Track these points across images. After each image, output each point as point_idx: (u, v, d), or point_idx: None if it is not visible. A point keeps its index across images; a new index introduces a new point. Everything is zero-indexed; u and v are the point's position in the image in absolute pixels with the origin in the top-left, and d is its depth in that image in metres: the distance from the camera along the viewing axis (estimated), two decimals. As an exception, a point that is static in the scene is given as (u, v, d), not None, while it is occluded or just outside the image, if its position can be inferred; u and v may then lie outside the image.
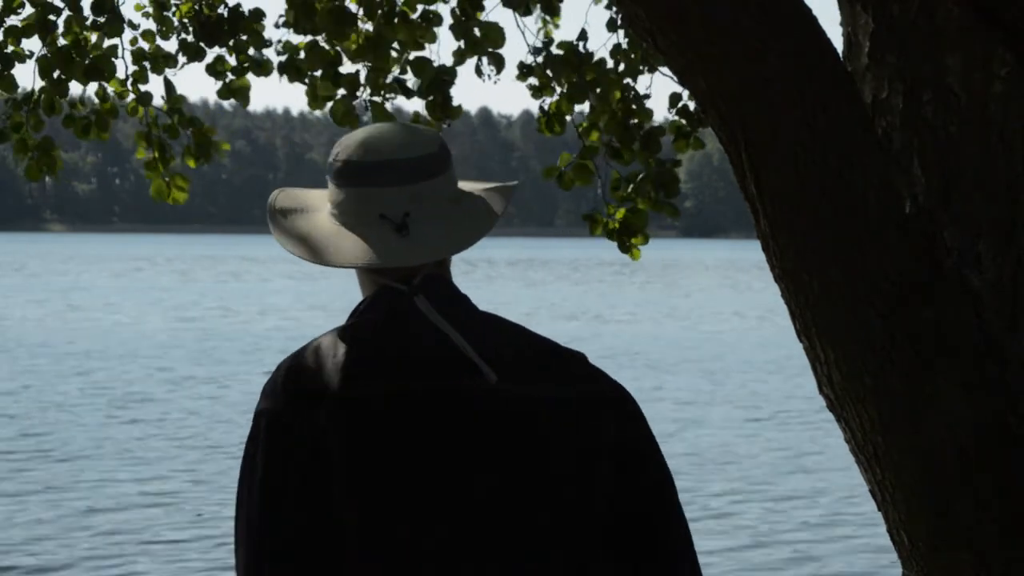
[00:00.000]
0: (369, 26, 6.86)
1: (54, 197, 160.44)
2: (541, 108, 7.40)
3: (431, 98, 7.05)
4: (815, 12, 3.32)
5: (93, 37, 7.15)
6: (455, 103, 7.06)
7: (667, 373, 26.93)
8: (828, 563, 12.30)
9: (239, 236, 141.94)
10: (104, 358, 28.57)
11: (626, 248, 7.53)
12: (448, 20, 7.05)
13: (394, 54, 6.98)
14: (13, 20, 7.07)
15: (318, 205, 2.73)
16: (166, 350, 30.38)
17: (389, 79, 7.02)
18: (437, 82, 7.01)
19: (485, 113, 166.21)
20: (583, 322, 39.61)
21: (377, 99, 7.01)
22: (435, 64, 7.05)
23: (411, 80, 7.06)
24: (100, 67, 7.12)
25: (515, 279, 65.55)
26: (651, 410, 20.76)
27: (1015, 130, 3.39)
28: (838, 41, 3.47)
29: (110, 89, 7.37)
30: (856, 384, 3.38)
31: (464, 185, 2.77)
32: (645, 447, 2.66)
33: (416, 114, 7.27)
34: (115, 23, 7.10)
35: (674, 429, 19.49)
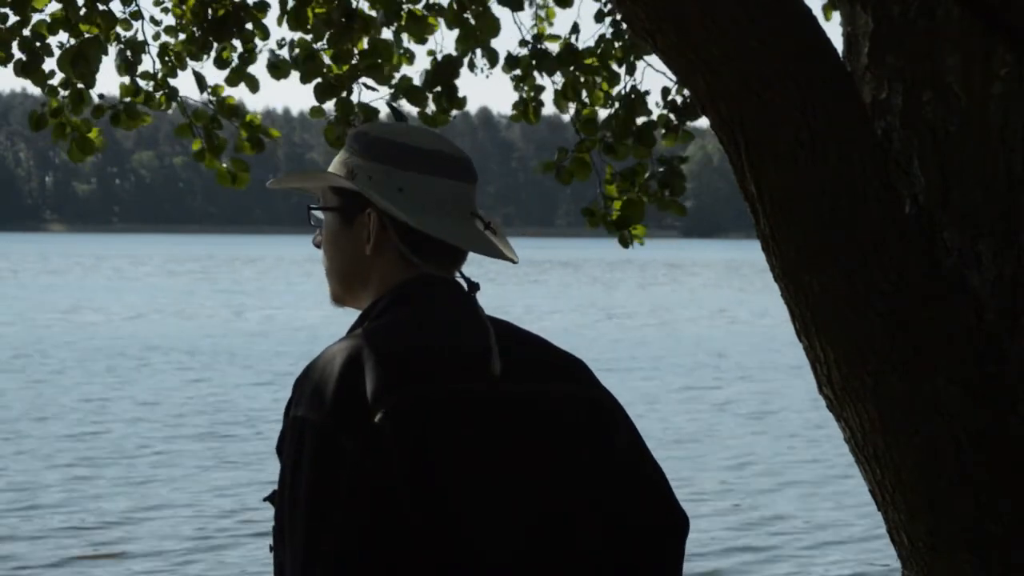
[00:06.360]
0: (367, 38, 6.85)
1: (54, 197, 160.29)
2: (520, 97, 7.43)
3: (437, 89, 7.05)
4: (815, 12, 3.32)
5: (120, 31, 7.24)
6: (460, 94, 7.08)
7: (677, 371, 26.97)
8: (828, 563, 12.30)
9: (240, 236, 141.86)
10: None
11: (626, 242, 7.52)
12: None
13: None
14: (41, 16, 7.13)
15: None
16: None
17: (390, 75, 7.00)
18: (442, 73, 7.00)
19: (485, 113, 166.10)
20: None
21: (381, 98, 7.01)
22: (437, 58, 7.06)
23: (415, 75, 7.05)
24: (131, 60, 7.23)
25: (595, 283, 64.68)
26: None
27: (1015, 130, 3.39)
28: (838, 41, 3.48)
29: (141, 82, 7.42)
30: (856, 384, 3.38)
31: None
32: (643, 448, 2.70)
33: (422, 110, 7.26)
34: (107, 20, 7.12)
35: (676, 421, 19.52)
